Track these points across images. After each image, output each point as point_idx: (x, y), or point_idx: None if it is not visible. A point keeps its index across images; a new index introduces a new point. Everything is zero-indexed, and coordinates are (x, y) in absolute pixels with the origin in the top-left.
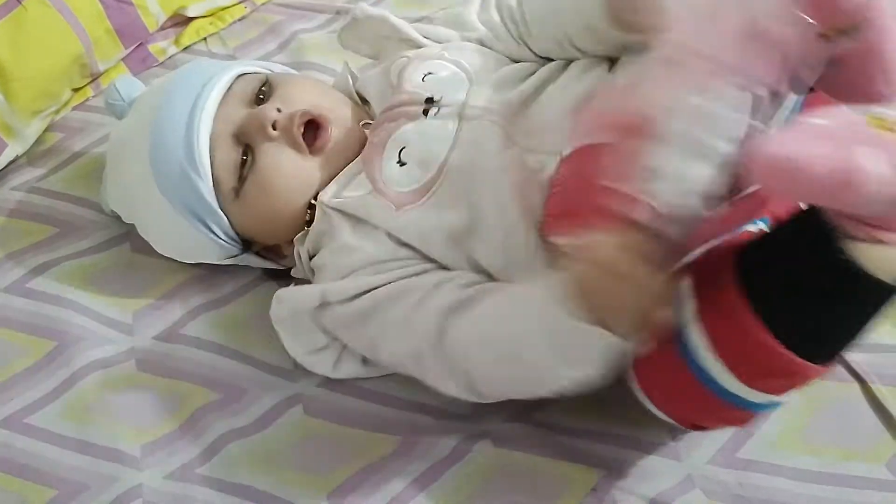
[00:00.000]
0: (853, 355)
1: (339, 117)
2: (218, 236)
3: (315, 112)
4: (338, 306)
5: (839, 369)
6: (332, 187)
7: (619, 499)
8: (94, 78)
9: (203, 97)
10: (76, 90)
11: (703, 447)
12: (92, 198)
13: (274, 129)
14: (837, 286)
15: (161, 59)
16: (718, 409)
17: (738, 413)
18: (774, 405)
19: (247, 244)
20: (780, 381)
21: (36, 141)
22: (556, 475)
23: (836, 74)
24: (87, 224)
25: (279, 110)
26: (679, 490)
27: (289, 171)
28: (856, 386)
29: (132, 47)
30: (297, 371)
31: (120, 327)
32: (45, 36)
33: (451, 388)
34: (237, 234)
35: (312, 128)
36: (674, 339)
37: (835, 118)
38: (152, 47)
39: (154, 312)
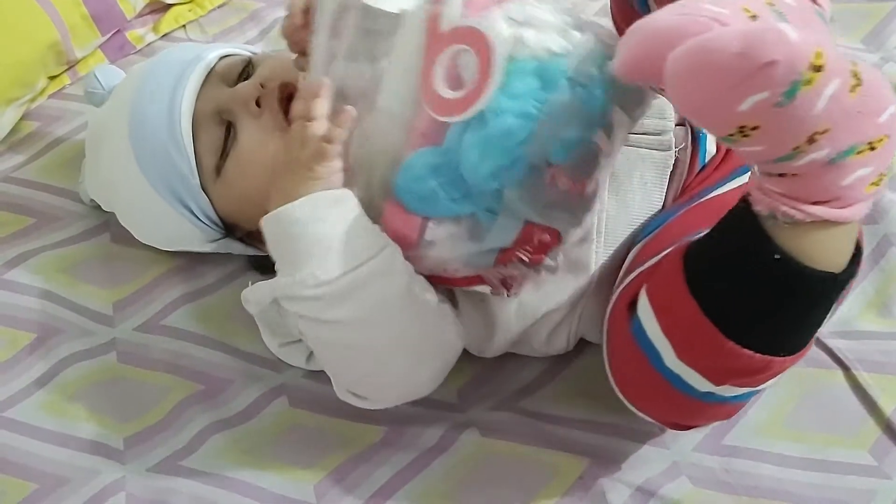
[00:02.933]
0: (836, 342)
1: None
2: (199, 219)
3: (295, 84)
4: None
5: (822, 356)
6: None
7: (606, 487)
8: (71, 66)
9: (186, 76)
10: (52, 78)
11: (689, 434)
12: (70, 187)
13: (257, 105)
14: (781, 284)
15: (139, 47)
16: (698, 408)
17: (721, 408)
18: (752, 394)
19: (230, 230)
20: (748, 378)
21: (11, 130)
22: (542, 464)
23: None
24: (66, 214)
25: (262, 86)
26: (666, 477)
27: (268, 149)
28: (839, 373)
29: (109, 34)
30: (282, 361)
31: (100, 319)
32: (18, 22)
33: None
34: (220, 217)
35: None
36: (641, 346)
37: None
38: (130, 34)
39: (135, 303)
